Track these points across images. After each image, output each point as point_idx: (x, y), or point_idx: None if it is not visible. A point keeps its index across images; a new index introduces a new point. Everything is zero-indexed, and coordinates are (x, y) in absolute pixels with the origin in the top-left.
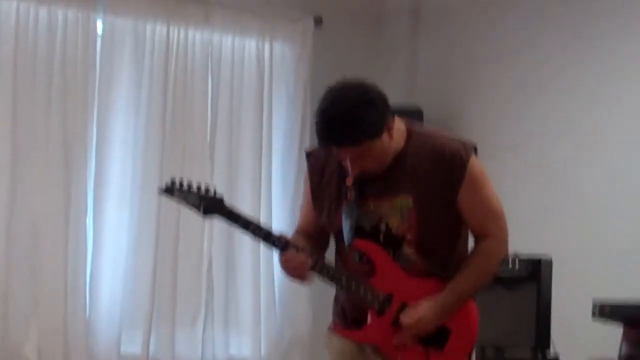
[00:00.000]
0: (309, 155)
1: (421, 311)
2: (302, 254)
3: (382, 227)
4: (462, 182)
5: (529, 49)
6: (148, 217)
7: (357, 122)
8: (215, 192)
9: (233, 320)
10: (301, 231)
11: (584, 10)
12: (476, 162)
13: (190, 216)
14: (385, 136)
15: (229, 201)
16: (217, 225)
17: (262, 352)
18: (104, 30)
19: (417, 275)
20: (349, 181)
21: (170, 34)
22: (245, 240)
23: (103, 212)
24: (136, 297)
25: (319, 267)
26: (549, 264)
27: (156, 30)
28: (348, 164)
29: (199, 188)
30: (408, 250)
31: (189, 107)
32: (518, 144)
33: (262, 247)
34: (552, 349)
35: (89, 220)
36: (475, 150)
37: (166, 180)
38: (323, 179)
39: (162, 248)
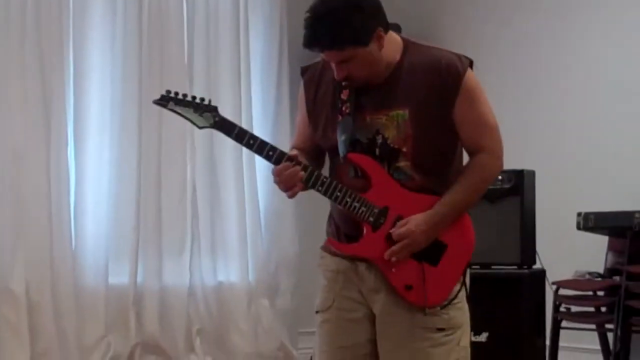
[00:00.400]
0: (305, 70)
1: (413, 224)
2: (295, 166)
3: (379, 139)
4: (457, 94)
5: None
6: (129, 146)
7: (341, 25)
8: (210, 102)
9: (220, 246)
10: (296, 147)
11: None
12: (472, 76)
13: (173, 143)
14: (373, 45)
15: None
16: (200, 151)
17: (250, 277)
18: None
19: (414, 190)
20: (345, 94)
21: None
22: (228, 166)
23: (84, 141)
24: (121, 227)
25: (313, 180)
26: (532, 175)
27: None
28: (334, 66)
29: (193, 97)
30: (404, 164)
31: (166, 34)
32: (498, 58)
33: (245, 172)
34: (538, 263)
35: (70, 150)
36: (472, 64)
37: (145, 105)
38: (318, 93)
39: (145, 177)
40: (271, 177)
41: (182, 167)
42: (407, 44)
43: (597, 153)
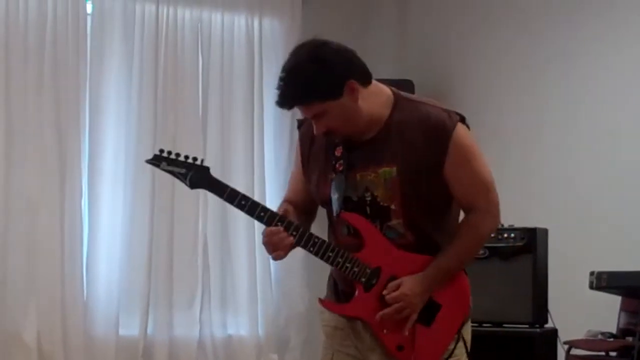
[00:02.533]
0: (301, 123)
1: (407, 287)
2: (286, 229)
3: (368, 197)
4: (446, 153)
5: (519, 20)
6: (142, 198)
7: (304, 81)
8: (202, 162)
9: (230, 300)
10: (289, 200)
11: None
12: (463, 132)
13: (185, 196)
14: (345, 98)
15: (220, 176)
16: (212, 204)
17: (260, 331)
18: (93, 10)
19: (407, 249)
20: (338, 151)
21: (160, 13)
22: (240, 220)
23: (98, 193)
24: (133, 279)
25: (305, 241)
26: (545, 233)
27: (145, 8)
28: (313, 122)
29: (186, 157)
30: (395, 222)
31: (180, 86)
32: (510, 115)
33: (256, 225)
34: (550, 322)
35: (84, 202)
36: (463, 120)
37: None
38: (313, 148)
39: (157, 229)
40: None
41: (194, 220)
42: (398, 99)
43: (610, 211)
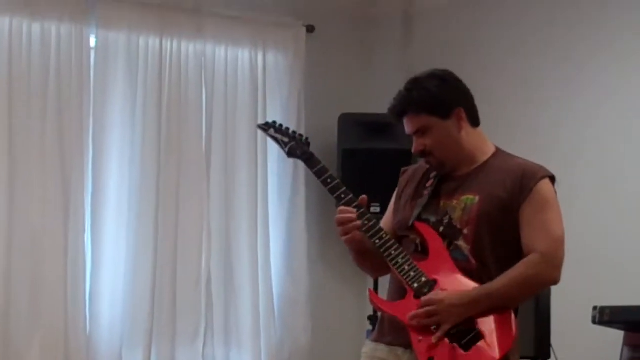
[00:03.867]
0: (402, 173)
1: (444, 294)
2: (361, 215)
3: (446, 219)
4: (527, 196)
5: (524, 49)
6: (146, 233)
7: (422, 92)
8: (306, 139)
9: (233, 335)
10: None
11: (580, 5)
12: (548, 187)
13: (188, 231)
14: (451, 123)
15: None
16: (215, 240)
17: None
18: (97, 43)
19: (467, 273)
20: (429, 183)
21: (163, 46)
22: (243, 254)
23: (101, 226)
24: (136, 314)
25: (374, 232)
26: None
27: (149, 42)
28: (414, 140)
29: (294, 132)
30: (463, 245)
31: (184, 119)
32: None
33: (260, 260)
34: (553, 357)
35: (87, 235)
36: (553, 180)
37: (162, 192)
38: (408, 184)
39: (160, 263)
40: (285, 266)
41: (197, 255)
42: (498, 151)
43: (613, 246)
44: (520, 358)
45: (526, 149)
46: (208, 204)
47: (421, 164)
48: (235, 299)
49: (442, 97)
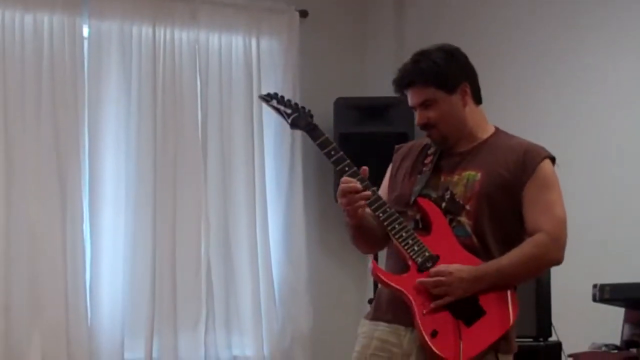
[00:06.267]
0: (397, 150)
1: (453, 267)
2: (365, 188)
3: (447, 195)
4: (531, 176)
5: (519, 32)
6: (144, 221)
7: (429, 64)
8: (309, 111)
9: (234, 321)
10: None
11: None
12: (551, 167)
13: (187, 219)
14: (456, 98)
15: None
16: (214, 226)
17: (265, 351)
18: (90, 33)
19: (469, 249)
20: (428, 159)
21: (157, 35)
22: (242, 240)
23: (99, 217)
24: (137, 303)
25: (377, 206)
26: None
27: (142, 31)
28: (417, 113)
29: (296, 103)
30: (465, 221)
31: (179, 107)
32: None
33: (259, 247)
34: (554, 335)
35: (86, 226)
36: (554, 160)
37: (159, 181)
38: (403, 161)
39: (159, 251)
40: (285, 252)
41: (196, 242)
42: (498, 131)
43: (612, 224)
44: (522, 338)
45: (521, 129)
46: (205, 191)
47: (416, 142)
48: (235, 286)
49: (449, 71)
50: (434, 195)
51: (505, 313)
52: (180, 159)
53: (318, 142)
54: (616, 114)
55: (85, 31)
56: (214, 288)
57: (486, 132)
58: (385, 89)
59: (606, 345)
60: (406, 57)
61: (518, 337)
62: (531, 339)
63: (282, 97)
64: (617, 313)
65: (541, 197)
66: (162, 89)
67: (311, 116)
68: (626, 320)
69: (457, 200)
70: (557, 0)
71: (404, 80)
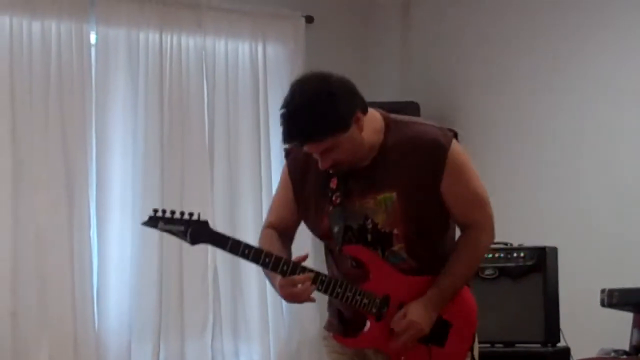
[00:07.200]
0: (288, 153)
1: (413, 314)
2: (301, 277)
3: (369, 224)
4: (443, 170)
5: (522, 39)
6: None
7: (316, 117)
8: (199, 216)
9: (241, 327)
10: (272, 226)
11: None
12: (457, 148)
13: None
14: (353, 129)
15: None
16: (221, 231)
17: (272, 357)
18: (97, 40)
19: (410, 272)
20: (334, 183)
21: (164, 41)
22: None
23: (106, 222)
24: (144, 309)
25: (319, 282)
26: (554, 251)
27: (149, 38)
28: (317, 157)
29: (182, 214)
30: (397, 247)
31: (186, 113)
32: (517, 134)
33: None
34: (562, 341)
35: (93, 231)
36: (456, 136)
37: (166, 186)
38: (306, 179)
39: (167, 258)
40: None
41: (203, 248)
42: (389, 122)
43: (620, 228)
44: (530, 343)
45: (526, 135)
46: (212, 197)
47: (307, 152)
48: (243, 292)
49: (339, 113)
50: (354, 225)
51: (468, 313)
52: (187, 165)
53: (227, 248)
54: (625, 115)
55: (93, 38)
56: (221, 294)
57: (379, 132)
58: (391, 94)
59: (615, 351)
60: (411, 62)
61: (525, 343)
62: (539, 344)
63: (164, 213)
64: (625, 318)
65: (460, 187)
66: (169, 95)
67: (206, 223)
68: (635, 325)
69: (381, 229)
70: (561, 4)
71: (295, 142)
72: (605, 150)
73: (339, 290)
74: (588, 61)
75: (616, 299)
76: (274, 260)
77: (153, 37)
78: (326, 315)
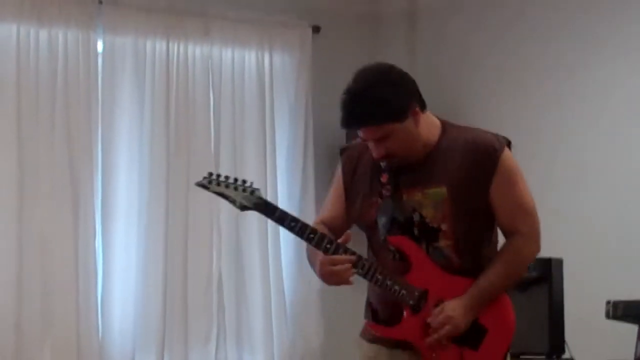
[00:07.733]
0: (343, 151)
1: (450, 310)
2: (343, 257)
3: (416, 217)
4: (495, 172)
5: (527, 46)
6: (156, 236)
7: (376, 102)
8: (251, 185)
9: (245, 338)
10: (324, 222)
11: (583, 5)
12: (509, 156)
13: (199, 234)
14: (409, 122)
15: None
16: (226, 241)
17: None
18: (104, 48)
19: (451, 271)
20: (384, 178)
21: (170, 50)
22: (254, 256)
23: (111, 232)
24: (148, 318)
25: (360, 266)
26: (560, 263)
27: (156, 46)
28: (372, 145)
29: (235, 180)
30: (443, 243)
31: (192, 122)
32: (524, 142)
33: (271, 261)
34: (567, 352)
35: (98, 240)
36: (509, 144)
37: (172, 196)
38: (357, 173)
39: (171, 267)
40: (296, 268)
41: (208, 257)
42: (445, 126)
43: (625, 240)
44: (535, 354)
45: (531, 144)
46: (218, 206)
47: (363, 145)
48: (247, 301)
49: (397, 102)
50: (401, 218)
51: (505, 321)
52: (193, 174)
53: (275, 217)
54: (634, 125)
55: (100, 46)
56: (225, 303)
57: (434, 134)
58: None
59: None
60: (417, 72)
61: (530, 354)
62: (544, 356)
63: (218, 177)
64: (630, 330)
65: (509, 193)
66: (175, 104)
67: (257, 190)
68: None
69: (429, 223)
70: (568, 15)
71: (354, 125)
72: (612, 161)
73: (379, 277)
74: (596, 70)
75: (621, 310)
76: (319, 237)
77: (160, 45)
78: (330, 326)
